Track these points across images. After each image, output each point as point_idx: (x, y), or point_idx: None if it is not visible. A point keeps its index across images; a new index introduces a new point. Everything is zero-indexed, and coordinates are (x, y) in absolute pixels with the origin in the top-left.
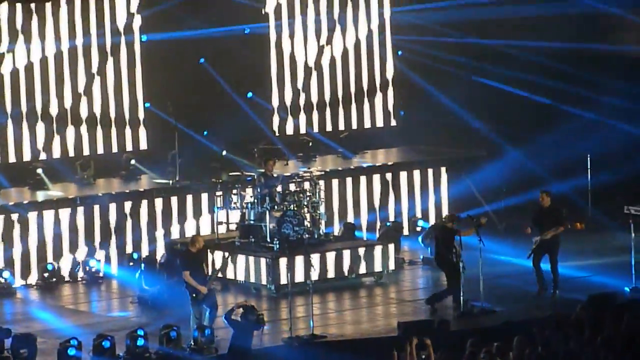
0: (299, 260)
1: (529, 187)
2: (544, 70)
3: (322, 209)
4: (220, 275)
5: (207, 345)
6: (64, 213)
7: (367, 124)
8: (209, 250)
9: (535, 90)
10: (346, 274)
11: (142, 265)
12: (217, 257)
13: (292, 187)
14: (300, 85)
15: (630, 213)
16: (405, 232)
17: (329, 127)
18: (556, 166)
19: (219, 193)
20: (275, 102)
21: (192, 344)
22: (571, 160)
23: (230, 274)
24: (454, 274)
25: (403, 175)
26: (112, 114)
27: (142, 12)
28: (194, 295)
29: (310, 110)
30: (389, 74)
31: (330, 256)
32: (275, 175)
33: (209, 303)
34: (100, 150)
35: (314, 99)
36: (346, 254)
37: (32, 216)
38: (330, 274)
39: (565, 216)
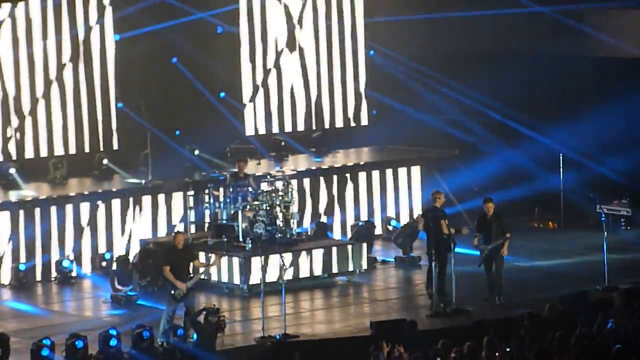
0: (272, 259)
1: (501, 187)
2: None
3: (294, 208)
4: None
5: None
6: (36, 212)
7: (339, 124)
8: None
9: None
10: (318, 273)
11: (115, 265)
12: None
13: (265, 186)
14: (272, 83)
15: (602, 212)
16: (378, 231)
17: (300, 127)
18: (530, 165)
19: (191, 193)
20: (247, 101)
21: (162, 343)
22: (546, 159)
23: (202, 274)
24: (446, 256)
25: (375, 174)
26: (85, 114)
27: (115, 13)
28: (172, 292)
29: (282, 109)
30: (361, 73)
31: (303, 256)
32: (242, 175)
33: (187, 304)
34: (72, 150)
35: (286, 98)
36: (318, 253)
37: (4, 216)
38: (303, 273)
39: (508, 223)
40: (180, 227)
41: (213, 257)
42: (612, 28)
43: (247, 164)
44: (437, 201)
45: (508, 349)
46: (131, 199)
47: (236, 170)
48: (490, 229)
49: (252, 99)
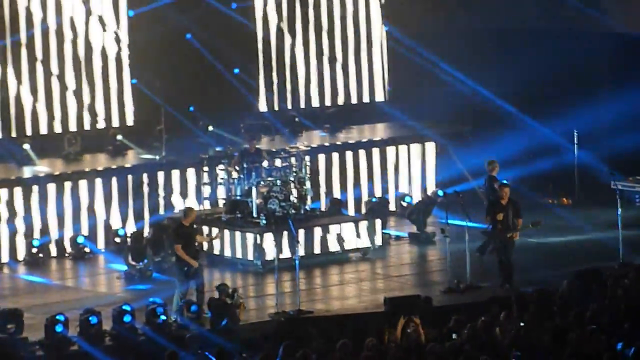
0: (285, 235)
1: (515, 163)
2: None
3: (308, 184)
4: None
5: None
6: (51, 188)
7: (354, 100)
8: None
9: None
10: (332, 249)
11: (129, 241)
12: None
13: (279, 162)
14: (287, 60)
15: (617, 188)
16: (392, 207)
17: (315, 103)
18: (543, 143)
19: (205, 168)
20: (261, 77)
21: (175, 320)
22: (558, 137)
23: (216, 250)
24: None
25: (389, 151)
26: (99, 90)
27: None
28: (185, 269)
29: (296, 86)
30: (377, 48)
31: (317, 232)
32: (253, 151)
33: (198, 281)
34: (87, 126)
35: (301, 74)
36: (332, 229)
37: (18, 192)
38: (317, 249)
39: (520, 209)
40: (191, 204)
41: (215, 230)
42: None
43: (260, 140)
44: (494, 170)
45: (522, 323)
46: (145, 175)
47: (247, 146)
48: (505, 215)
49: (267, 75)
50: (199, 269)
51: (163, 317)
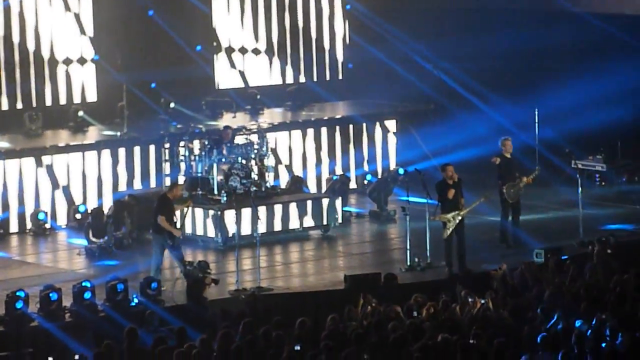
0: (246, 212)
1: (476, 143)
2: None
3: (269, 162)
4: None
5: (154, 298)
6: (12, 164)
7: (315, 77)
8: None
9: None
10: (293, 227)
11: (90, 217)
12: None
13: (240, 140)
14: (248, 36)
15: (577, 167)
16: (353, 185)
17: (276, 81)
18: (504, 122)
19: (166, 145)
20: (223, 54)
21: (139, 295)
22: (520, 116)
23: (177, 226)
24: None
25: (351, 128)
26: (61, 66)
27: None
28: (168, 241)
29: (257, 62)
30: (338, 26)
31: (278, 209)
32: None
33: (179, 253)
34: (48, 102)
35: (262, 51)
36: (293, 206)
37: None
38: (278, 226)
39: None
40: (152, 181)
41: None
42: None
43: (222, 117)
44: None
45: (482, 301)
46: (106, 151)
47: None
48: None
49: (228, 52)
50: (179, 241)
51: (123, 294)
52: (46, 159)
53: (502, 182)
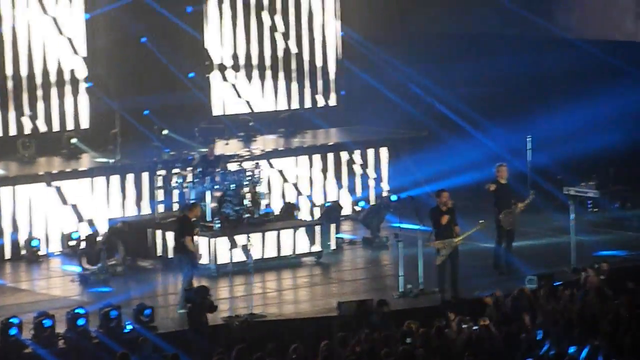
0: (239, 239)
1: (468, 170)
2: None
3: (262, 188)
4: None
5: (148, 325)
6: (5, 191)
7: (308, 104)
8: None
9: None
10: (286, 253)
11: (83, 244)
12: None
13: (233, 166)
14: (241, 62)
15: (569, 194)
16: (346, 212)
17: (269, 107)
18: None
19: (160, 172)
20: (216, 81)
21: (133, 322)
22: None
23: (170, 253)
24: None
25: (343, 155)
26: (54, 93)
27: None
28: (193, 261)
29: (250, 89)
30: (331, 52)
31: (271, 236)
32: (212, 158)
33: (191, 275)
34: (41, 129)
35: (255, 78)
36: (286, 233)
37: None
38: (271, 253)
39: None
40: (145, 208)
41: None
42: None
43: (215, 144)
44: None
45: (475, 327)
46: (100, 178)
47: (206, 151)
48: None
49: (221, 79)
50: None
51: (116, 320)
52: (39, 186)
53: (499, 209)
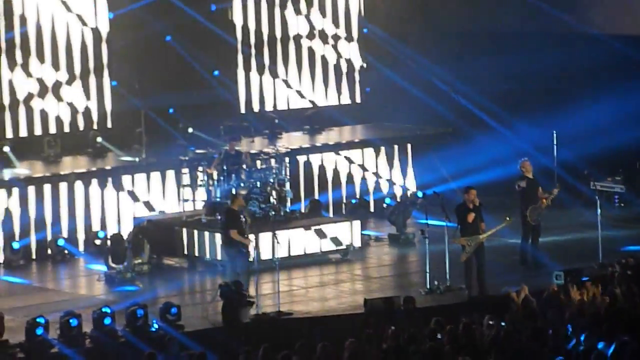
0: (266, 237)
1: (495, 165)
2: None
3: (288, 186)
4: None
5: (174, 323)
6: (31, 191)
7: (333, 101)
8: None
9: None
10: (312, 251)
11: (109, 243)
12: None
13: (258, 164)
14: (266, 61)
15: (596, 189)
16: (372, 209)
17: (294, 105)
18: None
19: (185, 170)
20: (241, 79)
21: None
22: (538, 139)
23: (196, 252)
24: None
25: (369, 152)
26: (79, 92)
27: None
28: (244, 251)
29: (275, 86)
30: (354, 51)
31: (297, 233)
32: (233, 153)
33: (242, 265)
34: (67, 128)
35: (280, 76)
36: (312, 231)
37: None
38: (297, 251)
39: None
40: (172, 206)
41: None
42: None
43: (239, 142)
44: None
45: (503, 323)
46: (125, 177)
47: (227, 148)
48: (475, 220)
49: (246, 77)
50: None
51: (142, 319)
52: (65, 185)
53: (526, 205)
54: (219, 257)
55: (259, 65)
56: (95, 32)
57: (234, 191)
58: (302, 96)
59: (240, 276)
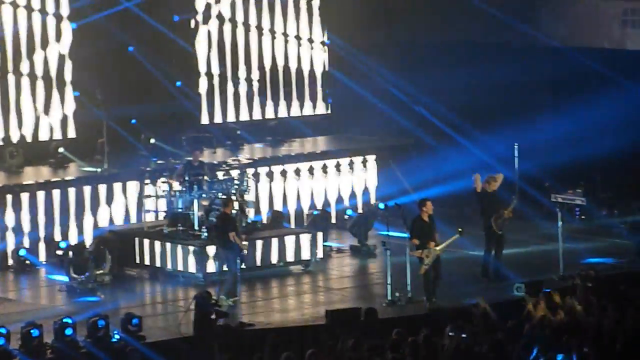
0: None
1: (455, 177)
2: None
3: (249, 197)
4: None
5: (136, 334)
6: None
7: (296, 113)
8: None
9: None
10: (274, 262)
11: (71, 254)
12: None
13: (220, 175)
14: (228, 73)
15: (557, 201)
16: (333, 220)
17: (257, 116)
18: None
19: (147, 181)
20: (203, 90)
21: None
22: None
23: (158, 262)
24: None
25: (331, 163)
26: (41, 102)
27: (72, 1)
28: (242, 252)
29: (238, 98)
30: (318, 61)
31: (258, 244)
32: (197, 164)
33: (235, 267)
34: (28, 138)
35: (242, 86)
36: (274, 242)
37: None
38: (258, 262)
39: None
40: (133, 217)
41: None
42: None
43: (202, 152)
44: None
45: (464, 335)
46: (87, 188)
47: (190, 159)
48: (429, 232)
49: (208, 88)
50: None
51: (104, 330)
52: (27, 195)
53: (487, 216)
54: (180, 268)
55: (221, 77)
56: (58, 42)
57: (225, 196)
58: (264, 107)
59: (238, 278)
